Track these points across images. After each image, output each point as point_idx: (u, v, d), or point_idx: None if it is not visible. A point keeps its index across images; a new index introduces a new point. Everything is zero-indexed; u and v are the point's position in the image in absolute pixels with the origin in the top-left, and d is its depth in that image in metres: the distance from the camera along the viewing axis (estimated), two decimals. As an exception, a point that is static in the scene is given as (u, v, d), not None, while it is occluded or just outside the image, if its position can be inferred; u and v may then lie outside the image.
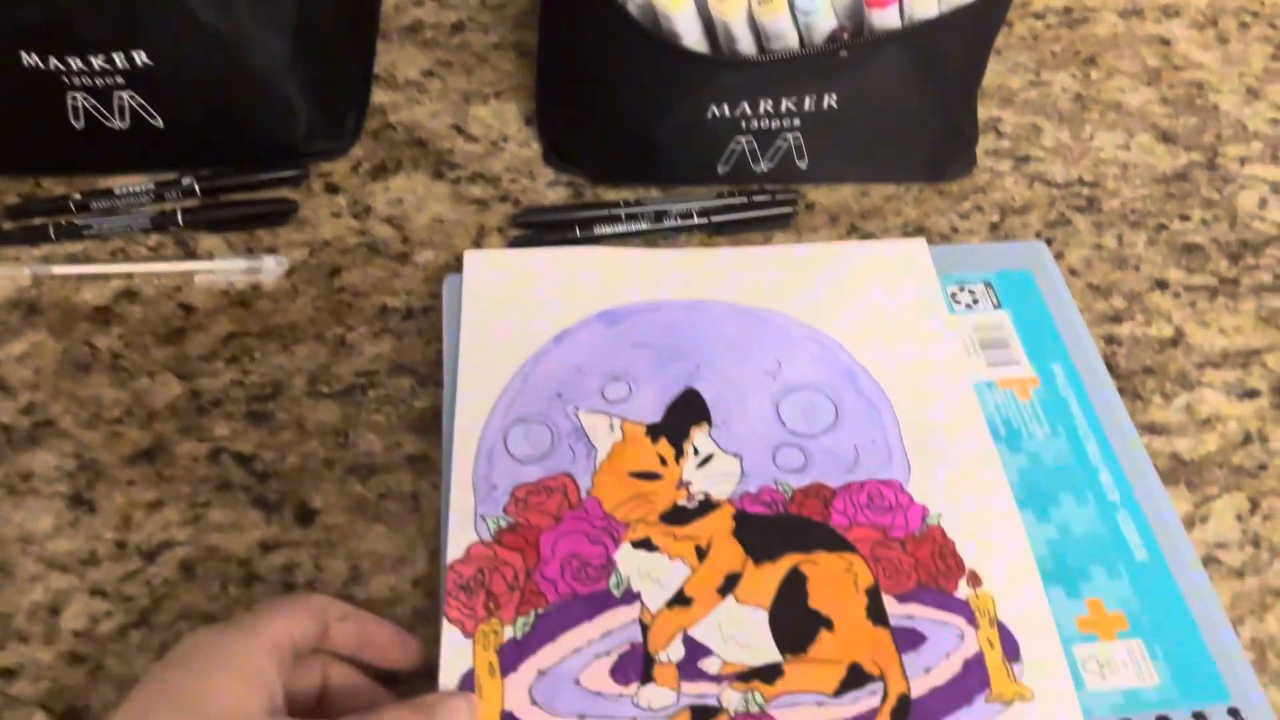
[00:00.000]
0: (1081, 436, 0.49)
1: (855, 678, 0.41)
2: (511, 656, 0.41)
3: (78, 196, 0.58)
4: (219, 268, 0.56)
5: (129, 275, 0.56)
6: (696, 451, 0.47)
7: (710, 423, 0.48)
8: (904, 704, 0.40)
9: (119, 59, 0.53)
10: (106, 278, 0.56)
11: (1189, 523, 0.48)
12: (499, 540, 0.44)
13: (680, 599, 0.43)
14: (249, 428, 0.50)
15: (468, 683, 0.41)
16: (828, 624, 0.42)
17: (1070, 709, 0.40)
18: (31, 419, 0.50)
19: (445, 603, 0.42)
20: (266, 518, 0.47)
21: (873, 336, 0.51)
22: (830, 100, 0.56)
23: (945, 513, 0.45)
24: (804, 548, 0.44)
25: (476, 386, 0.49)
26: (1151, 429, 0.51)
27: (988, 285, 0.55)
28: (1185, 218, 0.61)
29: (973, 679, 0.41)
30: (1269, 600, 0.46)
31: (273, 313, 0.55)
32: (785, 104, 0.56)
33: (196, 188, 0.59)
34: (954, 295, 0.54)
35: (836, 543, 0.44)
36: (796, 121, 0.57)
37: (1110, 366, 0.54)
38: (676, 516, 0.45)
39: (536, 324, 0.51)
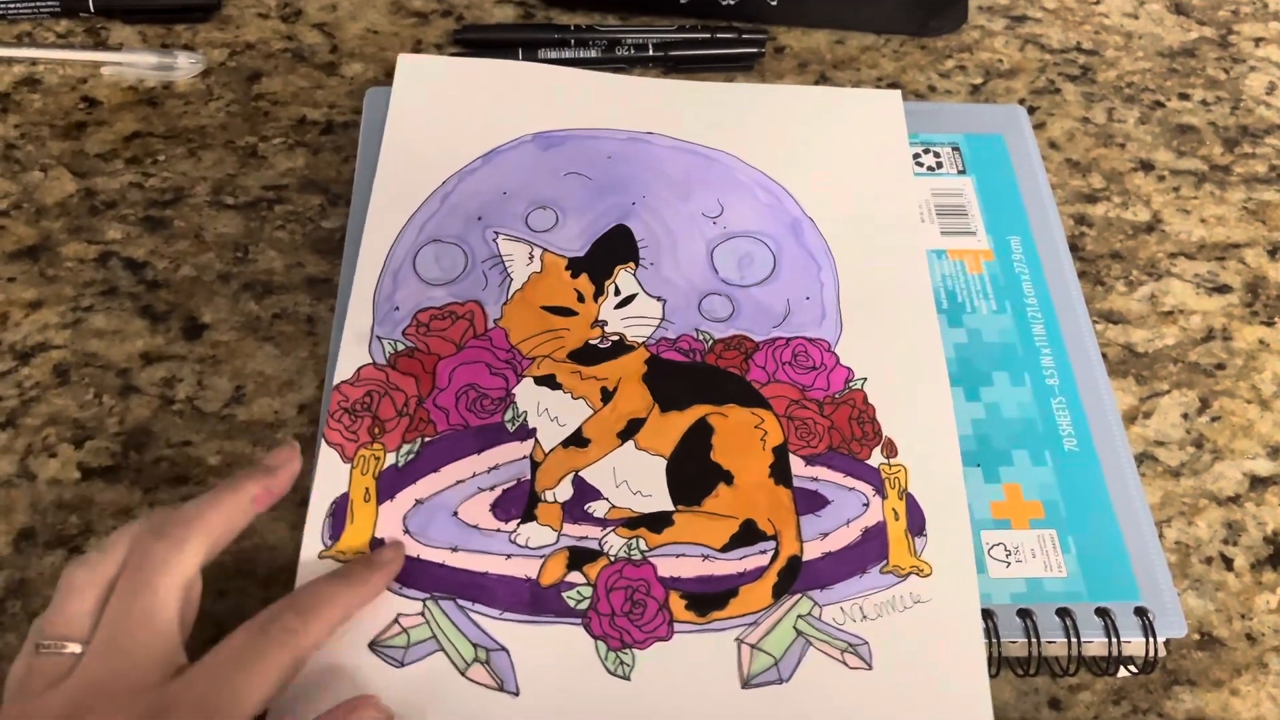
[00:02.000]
0: (1029, 316, 0.46)
1: (747, 535, 0.39)
2: (390, 483, 0.39)
3: (-17, -29, 0.53)
4: (129, 61, 0.52)
5: (33, 61, 0.52)
6: (618, 291, 0.44)
7: (637, 262, 0.45)
8: (793, 566, 0.38)
9: None
10: (8, 62, 0.52)
11: (1131, 417, 0.45)
12: (393, 364, 0.42)
13: (577, 439, 0.41)
14: (144, 233, 0.47)
15: (339, 508, 0.39)
16: (727, 478, 0.40)
17: (968, 589, 0.38)
18: (-89, 204, 0.47)
19: (325, 424, 0.40)
20: (152, 328, 0.45)
21: (827, 189, 0.47)
22: (804, -74, 0.51)
23: (871, 378, 0.42)
24: (715, 399, 0.42)
25: (391, 200, 0.46)
26: (1108, 317, 0.48)
27: (954, 149, 0.51)
28: (1185, 96, 0.56)
29: (870, 548, 0.39)
30: (1202, 503, 0.43)
31: (182, 114, 0.51)
32: (754, -74, 0.51)
33: (113, -27, 0.54)
34: (917, 156, 0.50)
35: (750, 397, 0.42)
36: (767, -51, 0.52)
37: (1076, 248, 0.50)
38: (586, 355, 0.42)
39: (466, 140, 0.48)
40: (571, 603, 0.37)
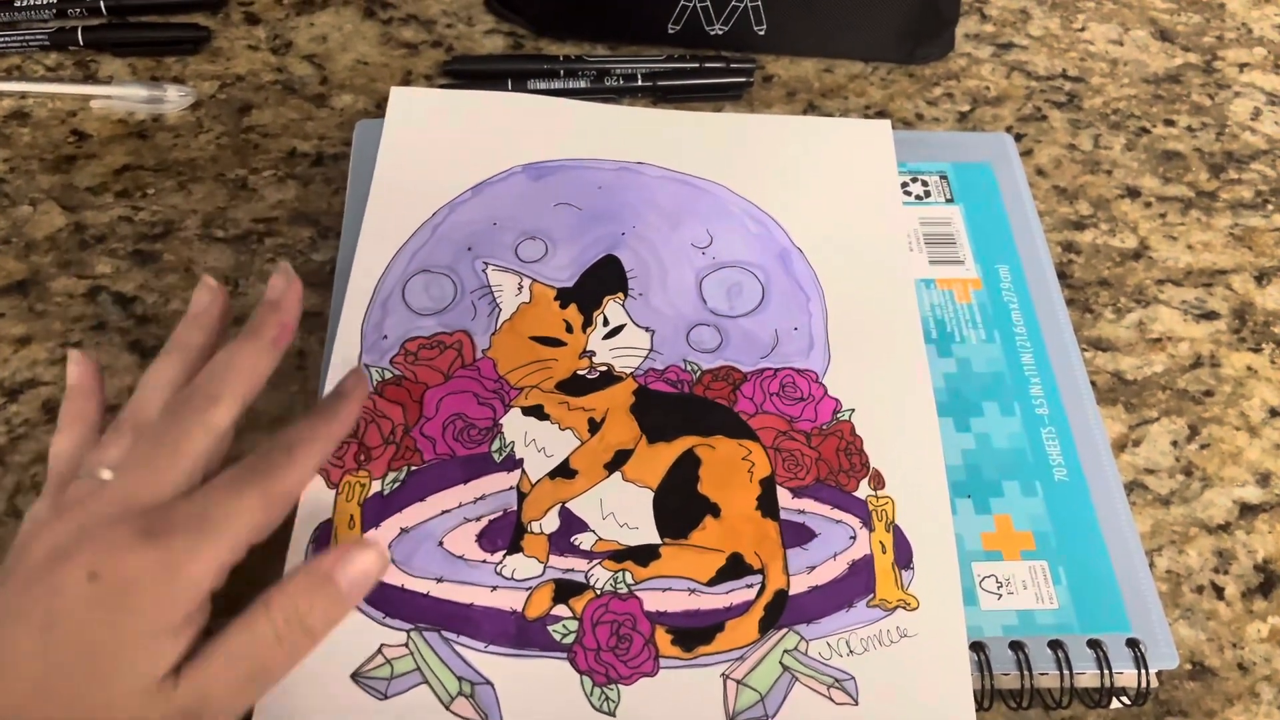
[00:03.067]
0: (1018, 345, 0.46)
1: (734, 568, 0.39)
2: (375, 511, 0.39)
3: (-28, 5, 0.54)
4: (119, 94, 0.52)
5: (21, 95, 0.52)
6: (606, 321, 0.44)
7: (626, 293, 0.45)
8: (780, 600, 0.38)
9: None
10: (-3, 96, 0.52)
11: (1121, 445, 0.45)
12: (380, 391, 0.42)
13: (564, 470, 0.40)
14: (133, 267, 0.47)
15: (323, 534, 0.38)
16: (714, 511, 0.40)
17: (954, 623, 0.38)
18: (-101, 240, 0.47)
19: None
20: (141, 363, 0.45)
21: (816, 218, 0.47)
22: (791, -43, 0.51)
23: (859, 409, 0.42)
24: (703, 431, 0.41)
25: (381, 230, 0.46)
26: (1097, 344, 0.48)
27: (942, 177, 0.51)
28: (1170, 123, 0.57)
29: (858, 582, 0.39)
30: (1192, 532, 0.43)
31: (172, 147, 0.51)
32: (741, -42, 0.51)
33: (103, 6, 0.54)
34: (905, 185, 0.50)
35: (738, 429, 0.42)
36: (754, -20, 0.52)
37: (1064, 275, 0.50)
38: (574, 386, 0.42)
39: (456, 171, 0.48)
40: (557, 636, 0.37)
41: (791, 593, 0.38)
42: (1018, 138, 0.55)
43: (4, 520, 0.40)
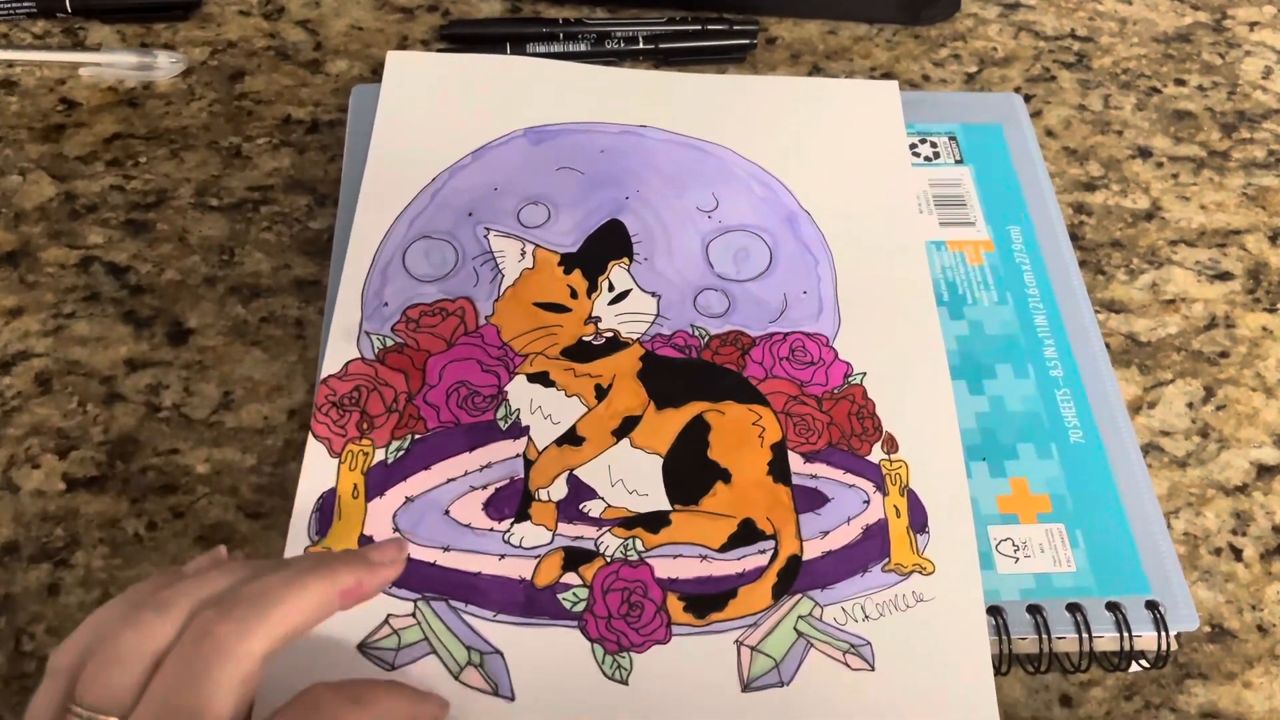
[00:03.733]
0: (1030, 307, 0.45)
1: (746, 534, 0.38)
2: (379, 480, 0.38)
3: (-44, -29, 0.52)
4: (108, 61, 0.51)
5: (8, 64, 0.51)
6: (612, 287, 0.43)
7: (631, 257, 0.44)
8: (793, 565, 0.38)
9: None
10: (-17, 64, 0.51)
11: (1136, 407, 0.44)
12: (381, 360, 0.41)
13: (571, 437, 0.40)
14: (126, 237, 0.46)
15: (327, 504, 0.38)
16: (725, 476, 0.39)
17: (971, 587, 0.37)
18: (-114, 211, 0.46)
19: (314, 418, 0.39)
20: (136, 334, 0.44)
21: (824, 181, 0.46)
22: (795, -86, 0.50)
23: (870, 372, 0.41)
24: (712, 396, 0.41)
25: (380, 197, 0.45)
26: (1110, 306, 0.47)
27: (951, 138, 0.50)
28: (1181, 82, 0.56)
29: (872, 546, 0.38)
30: (1209, 493, 0.42)
31: (164, 115, 0.50)
32: (744, -85, 0.50)
33: (90, -29, 0.53)
34: (914, 146, 0.49)
35: (747, 393, 0.41)
36: (757, -62, 0.51)
37: (1076, 237, 0.49)
38: (579, 352, 0.41)
39: (456, 135, 0.46)
40: (567, 604, 0.36)
41: (805, 558, 0.38)
42: (1027, 98, 0.54)
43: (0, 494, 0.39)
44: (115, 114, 0.50)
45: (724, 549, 0.38)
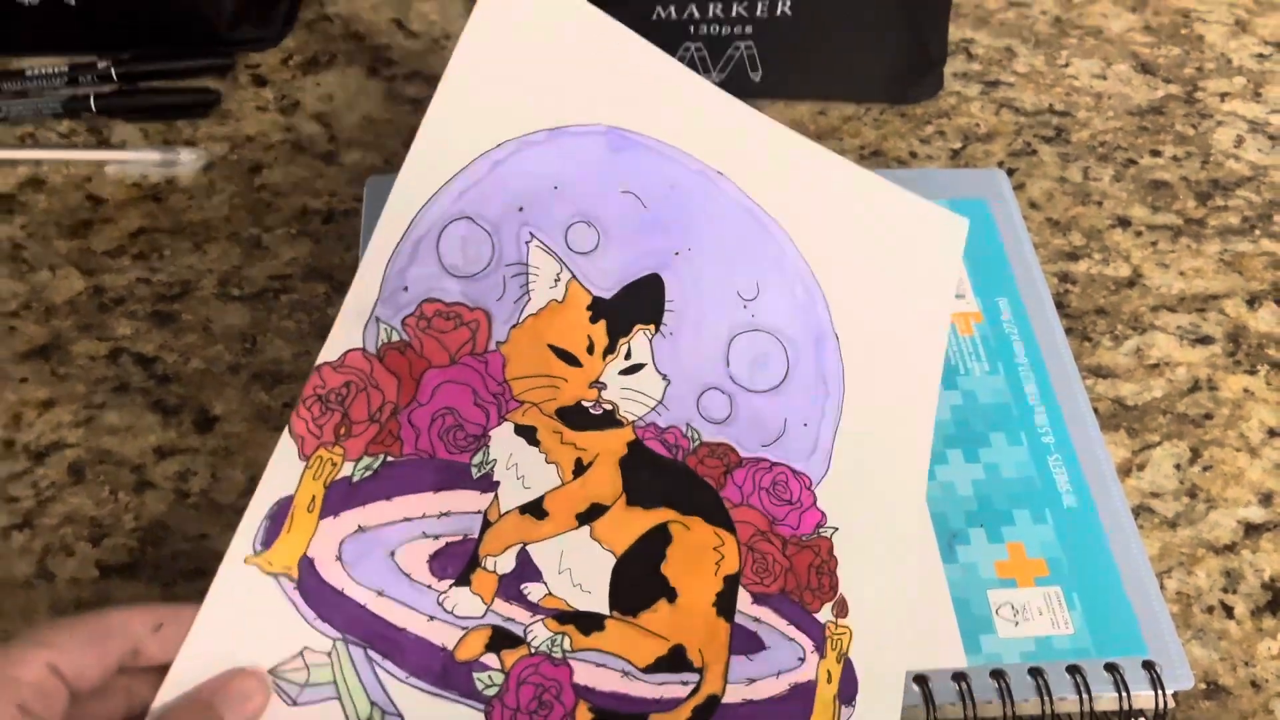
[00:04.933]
0: (1021, 376, 0.47)
1: (674, 660, 0.37)
2: (339, 498, 0.37)
3: (-14, 76, 0.55)
4: (132, 158, 0.53)
5: (37, 162, 0.53)
6: (629, 354, 0.41)
7: (659, 327, 0.41)
8: (711, 705, 0.37)
9: (21, -74, 0.49)
10: (13, 164, 0.53)
11: (1125, 470, 0.46)
12: (381, 356, 0.38)
13: (535, 508, 0.38)
14: (152, 328, 0.48)
15: (280, 511, 0.36)
16: (671, 595, 0.38)
17: None
18: (-78, 309, 0.48)
19: (296, 411, 0.37)
20: (164, 422, 0.45)
21: (863, 302, 0.44)
22: (784, 6, 0.52)
23: (842, 529, 0.40)
24: (684, 507, 0.39)
25: (435, 154, 0.40)
26: (1097, 372, 0.49)
27: (940, 214, 0.52)
28: (1156, 153, 0.58)
29: (794, 707, 0.37)
30: (1200, 553, 0.44)
31: (186, 209, 0.52)
32: (736, 8, 0.53)
33: (114, 73, 0.55)
34: (903, 223, 0.52)
35: (718, 515, 0.40)
36: (749, 29, 0.54)
37: (1061, 305, 0.51)
38: (574, 417, 0.39)
39: (537, 103, 0.42)
40: (480, 685, 0.36)
41: (725, 700, 0.37)
42: (1010, 172, 0.56)
43: (34, 583, 0.41)
44: (140, 209, 0.52)
45: (648, 670, 0.37)
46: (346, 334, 0.39)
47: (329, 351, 0.38)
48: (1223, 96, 0.61)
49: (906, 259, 0.45)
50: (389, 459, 0.37)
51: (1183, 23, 0.65)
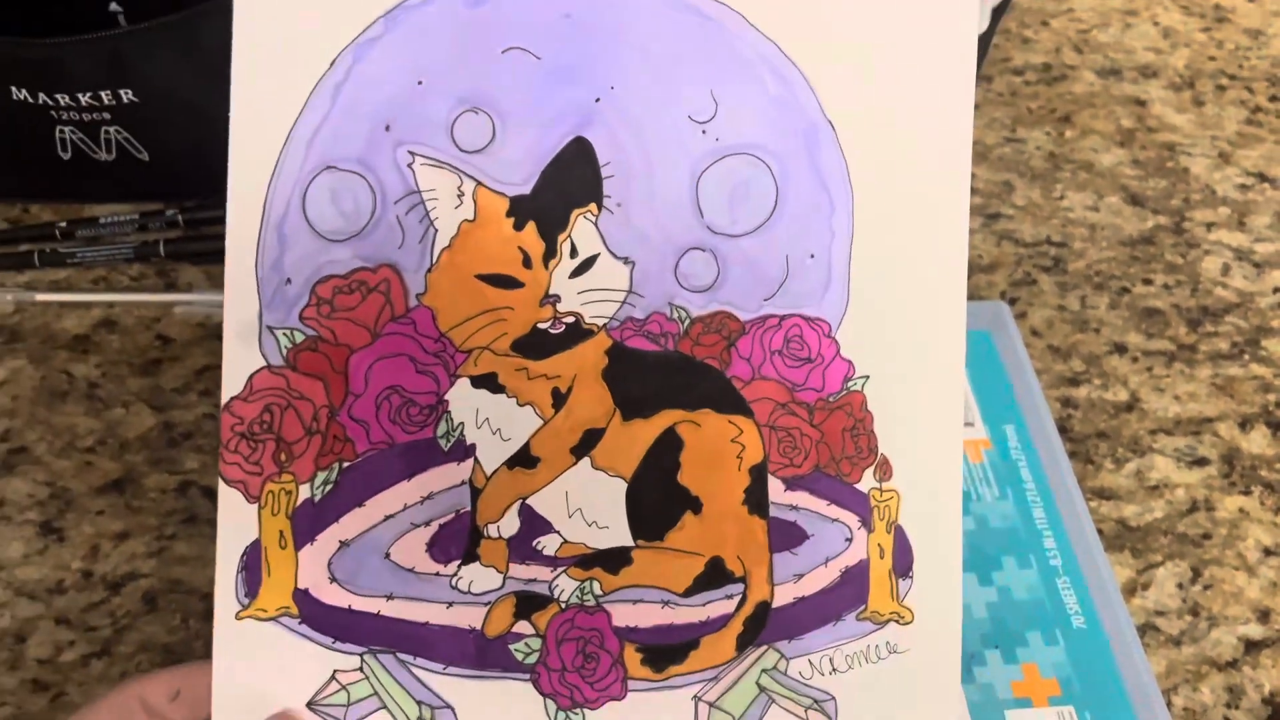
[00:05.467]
0: (1029, 500, 0.50)
1: (713, 576, 0.35)
2: (308, 523, 0.34)
3: (63, 224, 0.59)
4: (198, 300, 0.57)
5: (109, 304, 0.57)
6: (574, 251, 0.34)
7: (600, 204, 0.34)
8: (761, 614, 0.35)
9: (106, 96, 0.54)
10: (87, 306, 0.57)
11: (1130, 589, 0.49)
12: (293, 363, 0.33)
13: (523, 458, 0.34)
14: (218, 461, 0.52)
15: (252, 559, 0.34)
16: (695, 506, 0.35)
17: (950, 639, 0.35)
18: (7, 445, 0.52)
19: (222, 458, 0.34)
20: (230, 552, 0.49)
21: (860, 76, 0.34)
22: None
23: (875, 375, 0.35)
24: (688, 403, 0.34)
25: (261, 101, 0.32)
26: (1101, 494, 0.53)
27: (948, 345, 0.56)
28: (1148, 281, 0.62)
29: (848, 591, 0.35)
30: (1204, 669, 0.47)
31: (248, 347, 0.56)
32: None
33: (180, 219, 0.60)
34: (914, 353, 0.55)
35: (730, 401, 0.35)
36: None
37: (1064, 430, 0.55)
38: (534, 345, 0.34)
39: None
40: (519, 656, 0.34)
41: (775, 604, 0.35)
42: (1011, 301, 0.60)
43: (113, 709, 0.44)
44: (205, 347, 0.56)
45: (688, 593, 0.35)
46: (240, 359, 0.33)
47: (230, 385, 0.34)
48: (1209, 226, 0.65)
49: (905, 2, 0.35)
50: (345, 464, 0.34)
51: (1168, 156, 0.69)
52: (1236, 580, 0.50)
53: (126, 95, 0.55)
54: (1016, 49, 0.76)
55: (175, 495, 0.50)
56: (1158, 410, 0.56)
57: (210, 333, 0.57)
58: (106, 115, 0.55)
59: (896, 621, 0.35)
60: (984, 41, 0.57)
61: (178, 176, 0.60)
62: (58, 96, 0.54)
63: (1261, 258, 0.64)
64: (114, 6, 0.54)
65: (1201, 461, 0.54)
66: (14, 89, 0.54)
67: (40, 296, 0.57)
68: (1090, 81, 0.74)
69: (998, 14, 0.56)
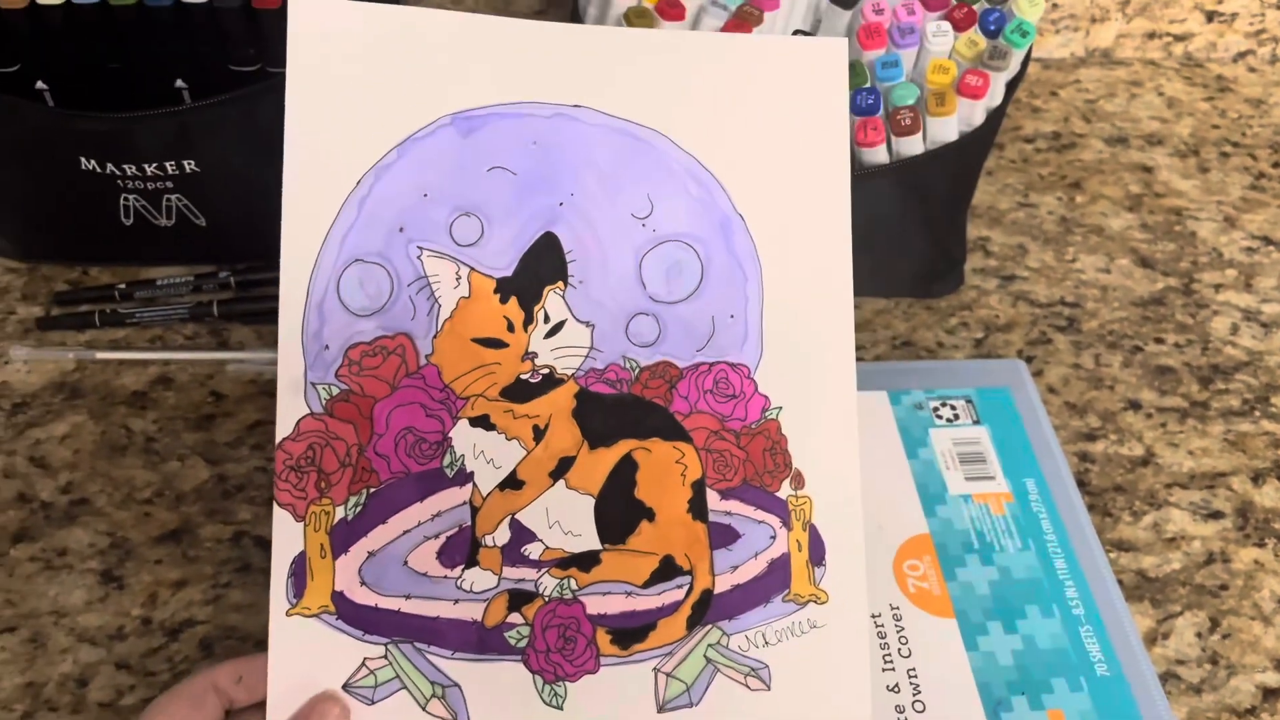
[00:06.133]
0: (1050, 552, 0.52)
1: (666, 570, 0.43)
2: (342, 538, 0.42)
3: (122, 286, 0.62)
4: (249, 358, 0.60)
5: (166, 362, 0.60)
6: (547, 318, 0.43)
7: (566, 281, 0.43)
8: (706, 599, 0.43)
9: (170, 166, 0.57)
10: (145, 364, 0.60)
11: (1151, 638, 0.51)
12: (330, 411, 0.42)
13: (512, 481, 0.43)
14: (270, 513, 0.54)
15: (299, 567, 0.42)
16: (649, 515, 0.43)
17: (858, 613, 0.42)
18: (69, 497, 0.54)
19: (276, 486, 0.42)
20: (282, 600, 0.51)
21: (759, 175, 0.44)
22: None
23: (786, 406, 0.44)
24: (640, 433, 0.43)
25: (307, 208, 0.42)
26: (1120, 545, 0.54)
27: (968, 401, 0.58)
28: (1160, 340, 0.65)
29: (775, 579, 0.43)
30: (1224, 717, 0.48)
31: (297, 403, 0.59)
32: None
33: (232, 281, 0.63)
34: (936, 410, 0.58)
35: (673, 430, 0.44)
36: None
37: (1082, 483, 0.57)
38: (518, 391, 0.43)
39: (378, 123, 0.42)
40: (512, 641, 0.42)
41: (716, 591, 0.43)
42: (1028, 359, 0.63)
43: (172, 751, 0.46)
44: (256, 403, 0.59)
45: (646, 585, 0.43)
46: (291, 407, 0.42)
47: (283, 428, 0.42)
48: (1217, 287, 0.68)
49: (788, 107, 0.44)
50: (371, 490, 0.42)
51: (1176, 220, 0.72)
52: (1253, 630, 0.51)
53: (189, 165, 0.58)
54: (1027, 118, 0.79)
55: (230, 545, 0.53)
56: (1172, 465, 0.58)
57: (261, 389, 0.59)
58: (169, 184, 0.59)
59: (815, 602, 0.43)
60: (998, 113, 0.60)
61: (231, 240, 0.62)
62: (125, 167, 0.57)
63: (1269, 318, 0.66)
64: (179, 83, 0.58)
65: (1216, 515, 0.56)
66: (84, 159, 0.57)
67: (100, 355, 0.60)
68: (1099, 149, 0.77)
69: (1011, 88, 0.60)
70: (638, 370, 0.43)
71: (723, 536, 0.43)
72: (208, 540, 0.53)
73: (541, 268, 0.43)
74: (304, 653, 0.41)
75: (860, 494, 0.43)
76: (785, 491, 0.43)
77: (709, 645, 0.42)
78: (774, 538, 0.43)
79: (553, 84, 0.44)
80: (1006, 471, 0.55)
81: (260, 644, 0.49)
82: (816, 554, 0.43)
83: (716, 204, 0.44)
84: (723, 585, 0.43)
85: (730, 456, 0.43)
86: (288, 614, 0.41)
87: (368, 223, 0.42)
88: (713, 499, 0.43)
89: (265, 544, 0.53)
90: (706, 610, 0.42)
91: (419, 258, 0.42)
